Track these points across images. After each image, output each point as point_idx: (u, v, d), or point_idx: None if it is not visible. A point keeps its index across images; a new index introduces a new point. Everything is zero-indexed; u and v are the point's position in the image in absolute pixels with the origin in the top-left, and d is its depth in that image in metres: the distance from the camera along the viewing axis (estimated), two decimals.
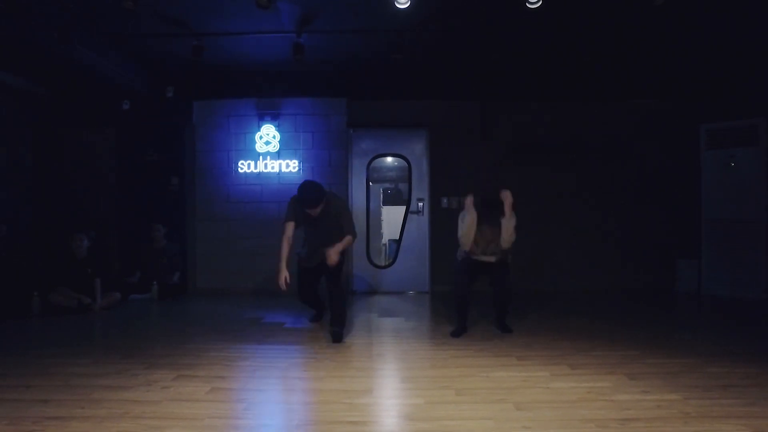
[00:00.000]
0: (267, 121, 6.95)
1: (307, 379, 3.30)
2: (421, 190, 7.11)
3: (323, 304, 4.96)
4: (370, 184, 7.42)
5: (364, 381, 3.18)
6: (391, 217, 8.08)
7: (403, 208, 7.28)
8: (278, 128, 6.95)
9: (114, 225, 6.98)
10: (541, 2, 4.39)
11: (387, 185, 8.69)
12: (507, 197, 4.43)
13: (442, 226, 6.98)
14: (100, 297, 5.57)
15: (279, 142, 6.94)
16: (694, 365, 3.42)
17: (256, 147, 6.96)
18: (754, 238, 6.32)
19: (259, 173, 6.98)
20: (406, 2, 4.40)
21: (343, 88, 6.95)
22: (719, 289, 6.52)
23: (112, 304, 5.70)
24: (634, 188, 7.09)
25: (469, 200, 4.60)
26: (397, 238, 7.27)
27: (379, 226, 8.40)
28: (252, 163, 6.99)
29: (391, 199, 8.58)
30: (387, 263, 7.36)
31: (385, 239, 8.36)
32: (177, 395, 2.89)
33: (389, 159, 7.68)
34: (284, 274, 4.35)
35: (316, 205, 4.39)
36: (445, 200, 6.99)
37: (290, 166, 6.96)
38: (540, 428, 2.41)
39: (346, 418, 2.56)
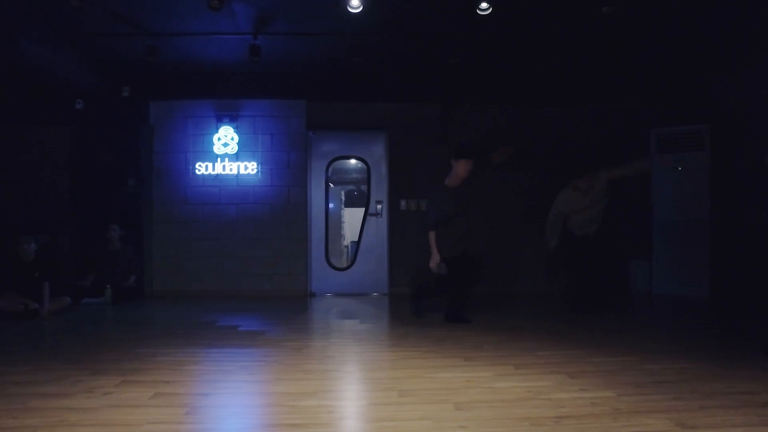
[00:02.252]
0: (225, 123, 6.90)
1: (254, 383, 3.30)
2: (380, 193, 7.16)
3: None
4: (331, 185, 7.44)
5: (311, 383, 3.19)
6: (353, 219, 8.11)
7: (363, 210, 7.32)
8: (236, 130, 6.91)
9: (67, 227, 6.81)
10: (491, 9, 4.48)
11: (348, 187, 8.72)
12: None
13: (401, 228, 7.05)
14: (49, 302, 5.43)
15: (237, 143, 6.90)
16: (632, 363, 3.54)
17: (214, 149, 6.90)
18: (700, 238, 6.57)
19: (217, 175, 6.92)
20: (359, 7, 4.43)
21: (303, 90, 6.95)
22: (668, 288, 6.75)
23: (61, 309, 5.57)
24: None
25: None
26: (357, 240, 7.29)
27: (341, 228, 8.42)
28: (210, 165, 6.93)
29: (352, 201, 8.61)
30: (346, 265, 7.39)
31: (346, 241, 8.39)
32: (118, 401, 2.85)
33: (351, 161, 7.71)
34: None
35: None
36: (403, 202, 7.06)
37: (249, 168, 6.92)
38: (476, 427, 2.47)
39: (287, 420, 2.57)
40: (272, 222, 6.96)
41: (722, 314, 5.65)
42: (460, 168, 5.00)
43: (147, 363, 3.63)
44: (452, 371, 3.40)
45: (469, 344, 4.12)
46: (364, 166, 7.30)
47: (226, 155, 6.92)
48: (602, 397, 2.86)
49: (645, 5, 4.87)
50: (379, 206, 7.15)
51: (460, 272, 5.00)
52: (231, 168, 6.92)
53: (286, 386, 3.13)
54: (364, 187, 8.13)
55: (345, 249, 8.27)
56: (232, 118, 6.92)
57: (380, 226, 7.15)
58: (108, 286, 6.24)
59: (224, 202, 6.95)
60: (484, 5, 4.51)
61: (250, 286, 6.91)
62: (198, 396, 3.04)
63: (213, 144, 6.90)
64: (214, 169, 6.92)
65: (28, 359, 3.72)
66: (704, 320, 5.44)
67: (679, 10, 4.96)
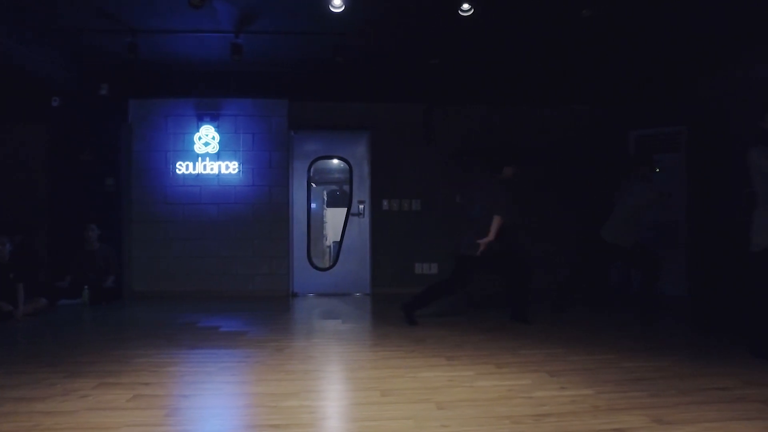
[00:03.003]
0: (206, 122, 6.83)
1: (235, 383, 3.27)
2: (362, 193, 7.15)
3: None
4: (313, 185, 7.41)
5: (292, 384, 3.18)
6: (335, 219, 8.11)
7: (345, 210, 7.31)
8: (218, 129, 6.85)
9: (43, 227, 6.69)
10: (473, 11, 4.51)
11: (331, 187, 8.70)
12: None
13: (383, 228, 7.06)
14: (24, 303, 5.32)
15: (218, 143, 6.84)
16: (611, 361, 3.59)
17: (195, 148, 6.83)
18: (677, 238, 6.69)
19: (198, 174, 6.86)
20: (341, 6, 4.43)
21: (285, 90, 6.93)
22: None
23: (37, 311, 5.47)
24: (571, 191, 7.36)
25: None
26: (339, 240, 7.28)
27: (323, 228, 8.40)
28: (191, 164, 6.86)
29: (335, 201, 8.60)
30: (328, 265, 7.37)
31: (329, 241, 8.37)
32: (96, 404, 2.80)
33: (333, 161, 7.70)
34: None
35: None
36: (386, 202, 7.07)
37: (230, 167, 6.87)
38: (458, 426, 2.48)
39: (268, 421, 2.55)
40: (254, 222, 6.91)
41: (699, 312, 5.75)
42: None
43: (126, 365, 3.58)
44: (434, 371, 3.41)
45: (451, 344, 4.14)
46: (347, 166, 7.29)
47: (207, 154, 6.85)
48: (582, 395, 2.90)
49: (623, 9, 4.95)
50: (361, 206, 7.14)
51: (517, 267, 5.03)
52: (212, 167, 6.86)
53: (268, 387, 3.11)
54: (346, 187, 8.13)
55: (327, 249, 8.26)
56: (214, 117, 6.86)
57: (362, 226, 7.15)
58: (86, 286, 6.14)
59: (205, 201, 6.88)
60: (465, 6, 4.54)
61: (231, 286, 6.86)
62: (178, 397, 3.00)
63: (194, 143, 6.83)
64: (194, 168, 6.85)
65: (1, 362, 3.63)
66: (682, 318, 5.53)
67: (657, 15, 5.05)
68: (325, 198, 8.59)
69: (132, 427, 2.50)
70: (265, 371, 3.45)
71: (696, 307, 6.01)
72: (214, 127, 6.84)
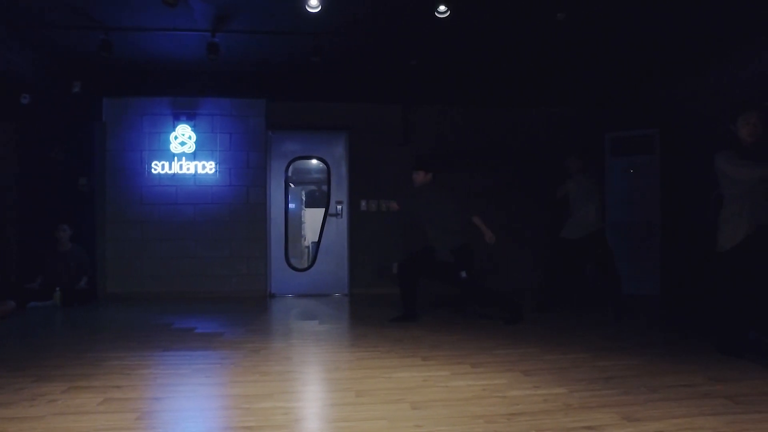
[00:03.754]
0: (183, 121, 6.76)
1: (208, 385, 3.23)
2: (340, 193, 7.14)
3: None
4: (291, 186, 7.38)
5: (267, 385, 3.16)
6: (314, 220, 8.08)
7: (323, 210, 7.29)
8: (194, 128, 6.77)
9: (13, 227, 6.54)
10: (449, 13, 4.53)
11: (309, 187, 8.67)
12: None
13: (361, 228, 7.06)
14: None
15: (195, 142, 6.77)
16: (585, 360, 3.65)
17: (171, 147, 6.75)
18: (651, 238, 6.81)
19: (174, 174, 6.77)
20: (317, 6, 4.41)
21: (263, 89, 6.88)
22: (622, 287, 6.95)
23: (4, 314, 5.33)
24: (547, 192, 7.43)
25: None
26: (317, 240, 7.26)
27: (301, 229, 8.37)
28: (167, 164, 6.77)
29: (313, 202, 8.57)
30: (306, 266, 7.34)
31: (307, 241, 8.34)
32: (64, 408, 2.75)
33: (312, 161, 7.68)
34: None
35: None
36: (364, 203, 7.07)
37: (207, 167, 6.80)
38: (432, 426, 2.49)
39: (241, 423, 2.53)
40: (231, 222, 6.85)
41: (671, 312, 5.87)
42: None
43: (97, 368, 3.51)
44: (409, 371, 3.42)
45: (427, 344, 4.16)
46: (325, 167, 7.27)
47: (184, 154, 6.77)
48: (554, 393, 2.93)
49: (597, 14, 5.02)
50: (339, 207, 7.13)
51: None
52: (188, 167, 6.78)
53: (243, 388, 3.09)
54: (325, 188, 8.11)
55: (306, 249, 8.23)
56: (190, 117, 6.78)
57: (341, 227, 7.13)
58: (58, 288, 6.02)
59: (181, 202, 6.80)
60: (442, 8, 4.56)
61: (208, 287, 6.79)
62: (150, 401, 2.96)
63: (170, 143, 6.75)
64: (171, 168, 6.76)
65: None
66: (654, 318, 5.63)
67: (630, 18, 5.14)
68: (304, 198, 8.56)
69: (102, 431, 2.46)
70: (241, 373, 3.42)
71: (668, 306, 6.13)
72: (191, 127, 6.76)
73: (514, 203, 7.31)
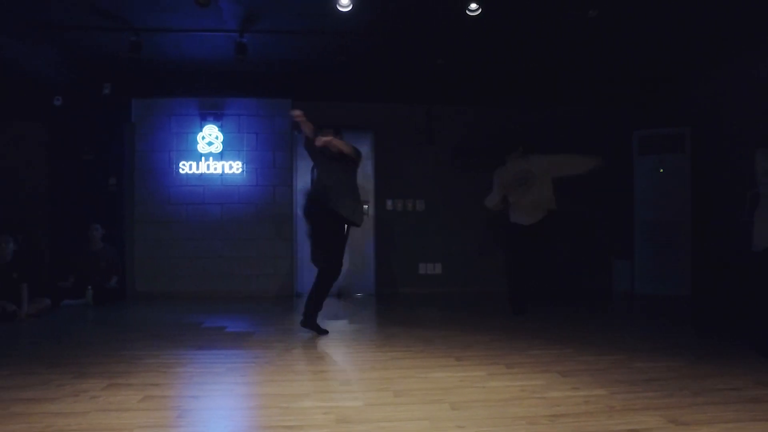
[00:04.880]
0: (210, 122, 6.81)
1: (244, 384, 3.25)
2: (366, 193, 7.12)
3: None
4: None
5: (302, 384, 3.16)
6: None
7: None
8: (221, 129, 6.83)
9: (46, 227, 6.66)
10: (480, 11, 4.49)
11: None
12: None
13: (387, 228, 7.05)
14: (27, 303, 5.29)
15: (222, 142, 6.82)
16: (621, 361, 3.58)
17: (199, 147, 6.81)
18: (681, 238, 6.69)
19: (202, 174, 6.83)
20: (348, 5, 4.41)
21: (288, 89, 6.90)
22: (650, 287, 6.86)
23: (41, 311, 5.43)
24: (572, 191, 7.34)
25: None
26: None
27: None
28: (194, 164, 6.84)
29: None
30: None
31: None
32: (106, 405, 2.78)
33: None
34: None
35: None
36: (390, 202, 7.06)
37: (233, 167, 6.84)
38: (474, 427, 2.47)
39: (281, 422, 2.53)
40: (258, 222, 6.89)
41: (704, 312, 5.75)
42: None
43: (133, 365, 3.55)
44: (444, 371, 3.39)
45: (459, 344, 4.13)
46: None
47: (211, 154, 6.83)
48: (595, 395, 2.88)
49: (628, 9, 4.94)
50: (365, 206, 7.12)
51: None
52: (216, 167, 6.84)
53: (279, 388, 3.09)
54: None
55: None
56: (217, 117, 6.83)
57: (366, 226, 7.12)
58: (89, 287, 6.11)
59: (209, 201, 6.86)
60: (473, 6, 4.52)
61: (235, 286, 6.84)
62: (188, 398, 2.98)
63: (197, 143, 6.81)
64: (198, 168, 6.82)
65: (7, 363, 3.61)
66: (687, 318, 5.53)
67: (661, 14, 5.05)
68: None
69: (145, 428, 2.48)
70: (275, 372, 3.43)
71: (700, 307, 6.01)
72: (218, 127, 6.81)
73: None
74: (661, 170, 6.92)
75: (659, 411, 2.61)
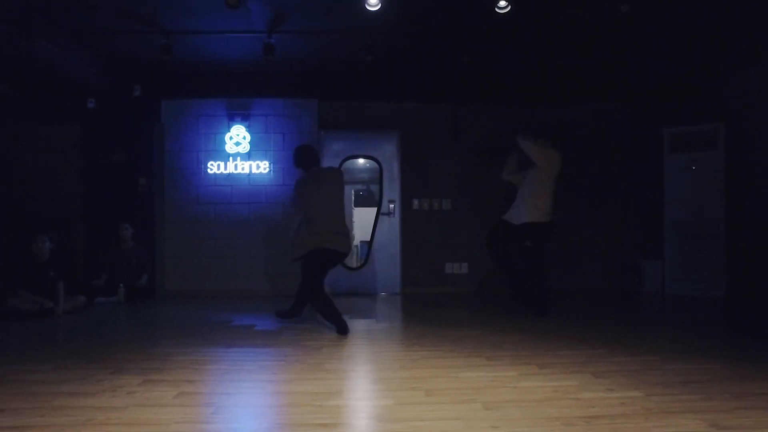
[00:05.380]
0: (237, 122, 6.88)
1: (276, 382, 3.28)
2: (392, 192, 7.14)
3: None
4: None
5: (334, 383, 3.18)
6: (363, 219, 8.09)
7: (375, 209, 7.30)
8: (248, 129, 6.89)
9: (79, 226, 6.81)
10: (510, 8, 4.45)
11: (359, 187, 8.69)
12: None
13: (414, 227, 7.04)
14: (63, 300, 5.42)
15: (249, 143, 6.89)
16: (655, 362, 3.52)
17: (226, 148, 6.89)
18: (714, 238, 6.53)
19: (229, 174, 6.91)
20: (377, 4, 4.41)
21: (315, 89, 6.94)
22: (682, 288, 6.72)
23: (76, 308, 5.57)
24: (601, 191, 7.25)
25: None
26: (369, 239, 7.27)
27: (351, 228, 8.39)
28: (222, 164, 6.92)
29: (362, 201, 8.58)
30: (358, 265, 7.36)
31: (357, 241, 8.35)
32: (143, 400, 2.83)
33: (361, 161, 7.70)
34: None
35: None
36: (416, 202, 7.05)
37: (261, 167, 6.91)
38: (508, 427, 2.45)
39: (315, 420, 2.55)
40: (284, 221, 6.93)
41: (739, 314, 5.61)
42: None
43: (167, 362, 3.61)
44: (475, 371, 3.37)
45: (489, 344, 4.10)
46: (375, 166, 7.27)
47: (238, 154, 6.91)
48: (630, 397, 2.84)
49: (661, 3, 4.84)
50: (391, 205, 7.13)
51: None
52: (243, 167, 6.91)
53: (311, 386, 3.11)
54: (373, 187, 8.12)
55: (355, 248, 8.24)
56: (244, 117, 6.91)
57: (393, 226, 7.13)
58: (121, 285, 6.24)
59: (236, 201, 6.93)
60: (502, 3, 4.48)
61: (262, 285, 6.90)
62: (221, 395, 3.02)
63: (225, 143, 6.89)
64: (226, 168, 6.91)
65: (48, 358, 3.71)
66: (721, 320, 5.40)
67: (693, 9, 4.93)
68: (354, 197, 8.59)
69: (181, 423, 2.52)
70: (306, 370, 3.45)
71: (735, 309, 5.86)
72: (245, 127, 6.89)
73: (567, 203, 7.14)
74: (693, 168, 6.77)
75: (699, 414, 2.55)
